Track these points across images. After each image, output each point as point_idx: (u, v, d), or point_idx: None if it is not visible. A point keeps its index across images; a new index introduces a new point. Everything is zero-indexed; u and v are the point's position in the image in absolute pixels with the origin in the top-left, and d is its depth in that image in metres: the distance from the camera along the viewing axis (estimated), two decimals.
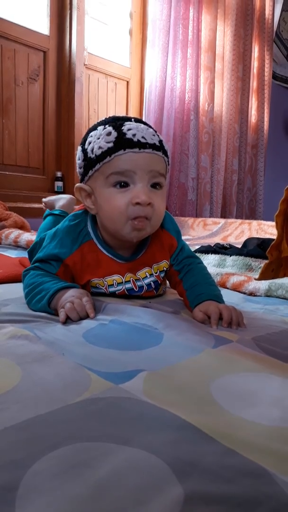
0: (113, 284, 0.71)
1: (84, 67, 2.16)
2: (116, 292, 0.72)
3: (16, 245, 1.39)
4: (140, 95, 2.48)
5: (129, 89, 2.45)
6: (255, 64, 2.89)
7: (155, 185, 0.64)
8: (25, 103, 2.01)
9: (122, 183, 0.62)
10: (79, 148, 0.67)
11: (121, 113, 2.42)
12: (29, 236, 1.36)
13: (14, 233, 1.43)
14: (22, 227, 1.61)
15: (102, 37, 2.28)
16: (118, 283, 0.71)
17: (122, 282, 0.71)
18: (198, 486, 0.26)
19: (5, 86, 1.93)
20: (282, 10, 3.17)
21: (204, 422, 0.33)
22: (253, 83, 2.89)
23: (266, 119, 2.99)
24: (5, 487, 0.25)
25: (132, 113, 2.44)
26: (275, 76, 3.26)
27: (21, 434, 0.31)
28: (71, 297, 0.62)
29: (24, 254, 1.16)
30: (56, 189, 2.13)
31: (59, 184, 2.14)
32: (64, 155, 2.17)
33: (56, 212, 1.15)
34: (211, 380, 0.42)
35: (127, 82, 2.44)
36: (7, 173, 1.96)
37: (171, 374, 0.43)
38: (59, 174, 2.15)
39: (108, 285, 0.71)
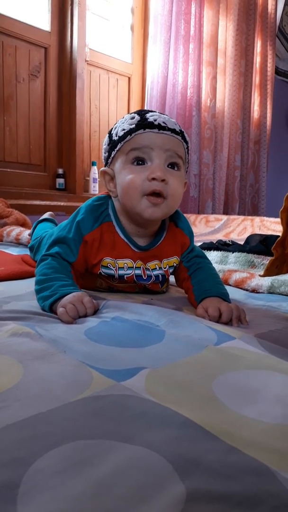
0: (123, 267, 0.72)
1: (86, 63, 2.16)
2: (125, 277, 0.72)
3: (17, 243, 1.39)
4: (141, 91, 2.46)
5: (130, 85, 2.44)
6: (257, 59, 2.87)
7: (173, 166, 0.68)
8: (26, 99, 2.01)
9: (140, 161, 0.66)
10: (107, 135, 0.72)
11: (122, 109, 2.42)
12: None
13: (15, 230, 1.43)
14: (23, 225, 1.61)
15: (104, 33, 2.27)
16: (128, 267, 0.72)
17: (133, 267, 0.72)
18: (200, 484, 0.26)
19: (6, 82, 1.92)
20: (285, 5, 3.14)
21: (206, 420, 0.33)
22: (256, 79, 2.88)
23: (268, 114, 2.97)
24: (7, 485, 0.25)
25: (134, 109, 2.43)
26: (278, 71, 3.24)
27: (22, 432, 0.31)
28: (72, 297, 0.62)
29: (26, 252, 1.16)
30: (57, 186, 2.13)
31: (60, 181, 2.13)
32: (66, 151, 2.17)
33: (45, 217, 1.20)
34: (213, 377, 0.42)
35: (129, 78, 2.43)
36: (8, 170, 1.95)
37: (173, 371, 0.43)
38: (60, 171, 2.14)
39: (119, 268, 0.72)
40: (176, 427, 0.32)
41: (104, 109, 2.33)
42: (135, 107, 2.45)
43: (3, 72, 1.90)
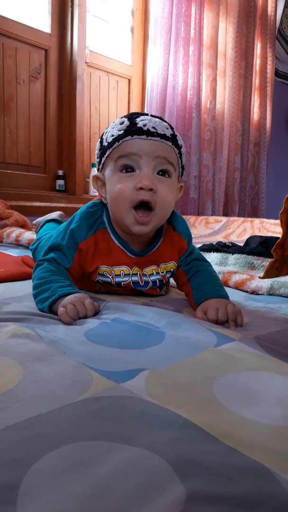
0: (120, 275, 0.71)
1: (86, 65, 2.16)
2: (122, 284, 0.72)
3: (17, 244, 1.39)
4: (142, 93, 2.47)
5: (130, 87, 2.44)
6: (257, 61, 2.87)
7: (163, 173, 0.66)
8: (26, 101, 2.01)
9: (128, 168, 0.65)
10: (99, 140, 0.71)
11: (122, 111, 2.42)
12: (30, 235, 1.36)
13: (15, 231, 1.43)
14: (23, 226, 1.61)
15: (104, 35, 2.27)
16: (125, 274, 0.71)
17: (129, 274, 0.71)
18: (200, 485, 0.26)
19: (7, 84, 1.92)
20: (285, 7, 3.15)
21: (206, 421, 0.33)
22: (256, 81, 2.88)
23: (268, 116, 2.98)
24: (7, 486, 0.25)
25: (134, 111, 2.43)
26: (277, 73, 3.25)
27: (22, 433, 0.31)
28: (73, 297, 0.62)
29: (25, 253, 1.16)
30: (57, 188, 2.13)
31: (60, 182, 2.14)
32: (66, 153, 2.17)
33: (53, 217, 1.18)
34: (213, 379, 0.42)
35: (129, 80, 2.43)
36: (8, 171, 1.96)
37: (173, 373, 0.43)
38: (60, 172, 2.15)
39: (115, 275, 0.71)
40: (176, 428, 0.32)
41: (104, 111, 2.33)
42: (135, 108, 2.45)
43: (4, 73, 1.91)
